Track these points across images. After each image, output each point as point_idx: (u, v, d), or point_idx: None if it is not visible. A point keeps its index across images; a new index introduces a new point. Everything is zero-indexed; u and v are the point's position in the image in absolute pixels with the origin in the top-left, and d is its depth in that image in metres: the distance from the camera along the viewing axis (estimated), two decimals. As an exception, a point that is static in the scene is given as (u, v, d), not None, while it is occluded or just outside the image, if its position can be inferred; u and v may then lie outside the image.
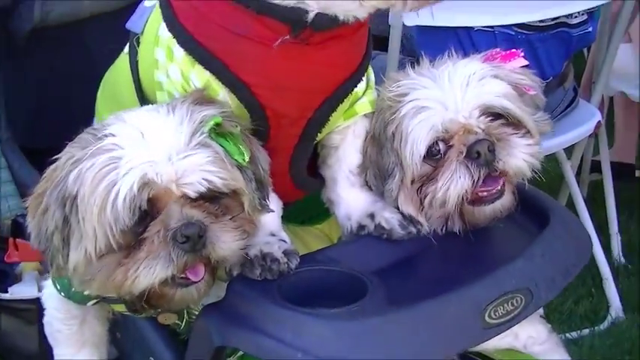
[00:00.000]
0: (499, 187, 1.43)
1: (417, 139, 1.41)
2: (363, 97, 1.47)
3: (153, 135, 1.22)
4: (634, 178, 3.79)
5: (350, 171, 1.49)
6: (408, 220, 1.46)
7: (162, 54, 1.36)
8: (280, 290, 1.32)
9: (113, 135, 1.24)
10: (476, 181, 1.41)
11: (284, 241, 1.40)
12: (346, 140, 1.48)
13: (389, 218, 1.46)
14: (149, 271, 1.21)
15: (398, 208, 1.48)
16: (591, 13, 2.82)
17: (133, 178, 1.18)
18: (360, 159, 1.50)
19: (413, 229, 1.46)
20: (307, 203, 1.60)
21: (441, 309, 1.29)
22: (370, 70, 1.51)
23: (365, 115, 1.48)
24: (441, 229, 1.48)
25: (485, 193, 1.43)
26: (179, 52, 1.34)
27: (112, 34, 1.96)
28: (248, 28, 1.30)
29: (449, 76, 1.45)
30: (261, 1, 1.27)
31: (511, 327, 1.37)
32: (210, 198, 1.24)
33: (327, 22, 1.30)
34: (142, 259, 1.22)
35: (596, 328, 2.99)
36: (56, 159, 1.28)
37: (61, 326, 1.51)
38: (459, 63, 1.48)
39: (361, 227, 1.47)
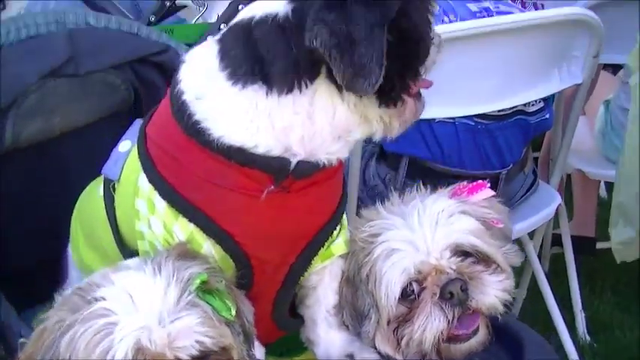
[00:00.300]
0: (475, 327, 1.43)
1: (390, 281, 1.43)
2: (339, 237, 1.48)
3: (142, 298, 1.21)
4: (595, 252, 3.82)
5: (327, 312, 1.50)
6: (386, 359, 1.46)
7: (143, 205, 1.35)
8: None
9: (103, 298, 1.23)
10: (451, 320, 1.42)
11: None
12: (324, 281, 1.49)
13: (368, 358, 1.45)
14: None
15: (375, 348, 1.47)
16: (547, 100, 2.87)
17: (127, 345, 1.18)
18: (335, 299, 1.49)
19: (392, 368, 1.46)
20: (286, 338, 1.58)
21: None
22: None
23: (340, 255, 1.48)
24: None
25: (460, 332, 1.42)
26: (161, 204, 1.33)
27: (84, 148, 1.97)
28: (231, 180, 1.29)
29: (418, 214, 1.46)
30: (245, 153, 1.27)
31: None
32: (201, 358, 1.22)
33: (308, 169, 1.31)
34: None
35: None
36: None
37: None
38: (428, 200, 1.50)
39: (340, 366, 1.46)
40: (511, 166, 2.87)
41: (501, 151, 2.81)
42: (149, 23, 2.59)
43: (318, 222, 1.42)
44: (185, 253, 1.28)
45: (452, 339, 1.45)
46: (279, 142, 1.29)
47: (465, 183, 1.58)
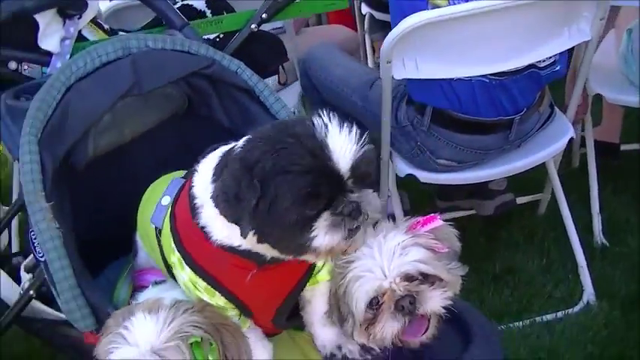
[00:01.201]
0: (424, 331, 1.97)
1: (358, 299, 1.95)
2: (323, 269, 1.98)
3: (142, 336, 1.77)
4: (618, 156, 4.19)
5: (321, 317, 2.03)
6: (366, 349, 2.01)
7: (175, 261, 1.89)
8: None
9: (125, 328, 1.80)
10: (403, 324, 1.94)
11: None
12: (315, 297, 2.02)
13: (352, 349, 2.02)
14: None
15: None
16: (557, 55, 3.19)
17: None
18: (326, 307, 2.03)
19: (369, 356, 2.02)
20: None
21: None
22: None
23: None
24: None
25: (410, 339, 1.97)
26: (187, 268, 1.88)
27: (150, 146, 2.49)
28: (229, 263, 1.82)
29: (379, 248, 1.95)
30: (234, 249, 1.79)
31: None
32: None
33: (281, 258, 1.79)
34: None
35: (569, 312, 3.40)
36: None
37: None
38: (389, 234, 1.97)
39: (332, 355, 2.03)
40: (525, 110, 3.24)
41: (515, 99, 3.17)
42: (261, 20, 3.06)
43: (295, 278, 1.93)
44: (200, 309, 1.84)
45: (404, 342, 1.99)
46: (254, 246, 1.77)
47: (419, 218, 2.05)
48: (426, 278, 1.97)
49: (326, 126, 1.62)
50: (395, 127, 3.32)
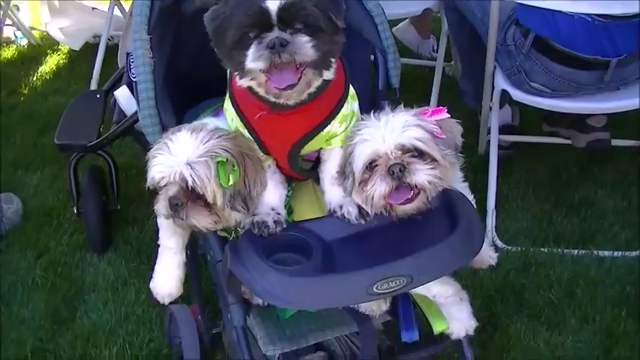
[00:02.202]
0: (408, 197, 2.26)
1: (359, 158, 2.26)
2: (339, 136, 2.34)
3: (179, 149, 2.18)
4: None
5: (332, 176, 2.40)
6: (361, 214, 2.37)
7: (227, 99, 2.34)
8: (264, 244, 2.31)
9: (168, 139, 2.21)
10: (391, 188, 2.24)
11: (278, 213, 2.38)
12: (330, 159, 2.38)
13: (351, 211, 2.36)
14: (157, 209, 2.24)
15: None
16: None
17: (156, 169, 2.19)
18: (337, 170, 2.40)
19: (362, 221, 2.37)
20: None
21: (343, 279, 2.25)
22: (352, 122, 2.36)
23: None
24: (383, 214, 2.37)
25: (393, 203, 2.27)
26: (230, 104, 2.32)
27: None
28: (250, 101, 2.22)
29: (386, 122, 2.26)
30: (256, 94, 2.18)
31: (395, 295, 2.31)
32: (193, 191, 2.17)
33: (286, 106, 2.18)
34: (156, 203, 2.22)
35: (625, 254, 3.61)
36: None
37: (164, 221, 2.48)
38: (398, 114, 2.28)
39: (333, 211, 2.40)
40: (625, 55, 3.38)
41: (616, 43, 3.29)
42: None
43: (301, 131, 2.26)
44: (233, 137, 2.23)
45: (392, 206, 2.29)
46: (255, 87, 2.15)
47: (428, 108, 2.31)
48: (421, 156, 2.25)
49: None
50: (501, 44, 3.55)
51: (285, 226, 2.36)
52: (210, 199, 2.19)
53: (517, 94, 3.58)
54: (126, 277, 3.49)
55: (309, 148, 2.37)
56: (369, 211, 2.36)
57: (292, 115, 2.23)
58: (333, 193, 2.40)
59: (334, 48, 2.13)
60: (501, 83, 3.58)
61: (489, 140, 3.84)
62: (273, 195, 2.38)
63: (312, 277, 2.23)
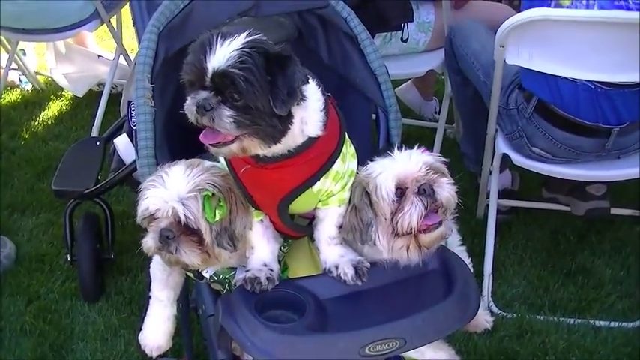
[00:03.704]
0: (439, 220, 2.26)
1: (384, 186, 2.25)
2: (336, 195, 2.32)
3: (172, 183, 2.18)
4: None
5: (329, 237, 2.38)
6: (358, 275, 2.34)
7: None
8: (257, 299, 2.28)
9: (162, 174, 2.21)
10: (426, 207, 2.23)
11: (271, 269, 2.35)
12: (327, 218, 2.36)
13: (347, 271, 2.34)
14: (146, 243, 2.22)
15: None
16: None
17: (147, 202, 2.18)
18: (335, 231, 2.37)
19: (359, 282, 2.34)
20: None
21: (335, 339, 2.21)
22: (349, 182, 2.34)
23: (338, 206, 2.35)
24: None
25: (430, 223, 2.25)
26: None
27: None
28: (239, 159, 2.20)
29: (402, 157, 2.29)
30: None
31: (387, 358, 2.27)
32: (185, 226, 2.17)
33: (267, 160, 2.16)
34: (146, 237, 2.20)
35: (623, 325, 3.54)
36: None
37: (157, 272, 2.51)
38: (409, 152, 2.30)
39: (329, 271, 2.37)
40: (627, 124, 3.37)
41: (618, 111, 3.29)
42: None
43: (288, 186, 2.24)
44: (224, 175, 2.24)
45: (425, 230, 2.26)
46: None
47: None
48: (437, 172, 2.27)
49: (220, 40, 2.02)
50: (503, 108, 3.55)
51: (277, 282, 2.33)
52: (204, 235, 2.18)
53: (518, 159, 3.56)
54: (116, 327, 3.46)
55: (302, 206, 2.35)
56: (389, 257, 2.34)
57: (278, 170, 2.21)
58: (329, 252, 2.38)
59: (268, 131, 2.07)
60: (502, 147, 3.57)
61: (488, 204, 3.81)
62: (265, 250, 2.37)
63: (304, 335, 2.21)
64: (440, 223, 2.27)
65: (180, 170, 2.22)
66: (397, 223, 2.25)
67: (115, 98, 4.85)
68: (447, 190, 2.25)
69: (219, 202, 2.20)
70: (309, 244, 2.55)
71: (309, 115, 2.15)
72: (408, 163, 2.25)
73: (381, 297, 2.38)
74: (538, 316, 3.63)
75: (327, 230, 2.38)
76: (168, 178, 2.20)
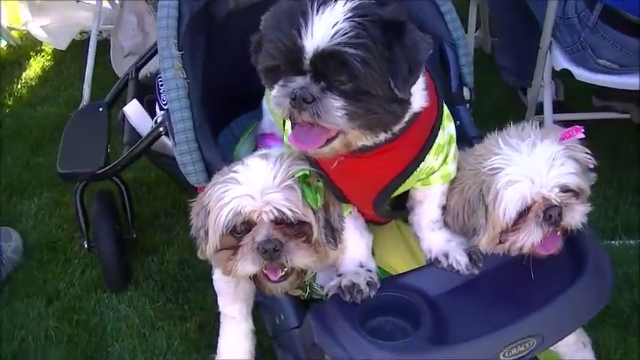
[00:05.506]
0: (557, 248, 1.92)
1: (509, 204, 1.88)
2: (437, 172, 1.90)
3: (255, 177, 1.79)
4: None
5: (431, 220, 1.96)
6: (473, 262, 1.95)
7: None
8: (360, 311, 1.88)
9: (236, 172, 1.81)
10: (547, 234, 1.89)
11: (369, 270, 1.93)
12: (428, 199, 1.95)
13: (459, 259, 1.95)
14: (242, 266, 1.81)
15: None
16: None
17: (232, 206, 1.77)
18: (438, 213, 1.96)
19: (475, 271, 1.95)
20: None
21: (465, 352, 1.82)
22: (450, 150, 1.92)
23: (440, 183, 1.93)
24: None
25: (545, 253, 1.92)
26: None
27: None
28: None
29: (535, 155, 1.88)
30: None
31: (522, 360, 1.89)
32: (289, 224, 1.79)
33: (365, 149, 1.72)
34: (238, 259, 1.81)
35: None
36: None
37: (222, 285, 2.12)
38: (544, 143, 1.90)
39: (437, 261, 1.97)
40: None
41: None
42: None
43: (388, 175, 1.84)
44: (300, 157, 1.83)
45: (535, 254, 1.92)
46: None
47: (565, 129, 1.94)
48: (575, 193, 1.92)
49: (319, 6, 1.54)
50: (561, 18, 3.14)
51: (379, 286, 1.91)
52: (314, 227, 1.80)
53: (581, 73, 3.18)
54: (152, 319, 3.00)
55: (399, 190, 1.92)
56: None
57: (376, 157, 1.78)
58: (433, 239, 1.99)
59: (385, 119, 1.64)
60: (561, 61, 3.18)
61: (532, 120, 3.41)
62: (359, 247, 1.97)
63: (428, 352, 1.82)
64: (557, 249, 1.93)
65: (260, 163, 1.83)
66: (507, 241, 1.92)
67: (102, 48, 4.33)
68: (577, 217, 1.91)
69: (318, 181, 1.81)
70: (399, 227, 2.16)
71: (416, 85, 1.68)
72: (540, 179, 1.87)
73: (496, 284, 2.00)
74: (613, 242, 3.27)
75: (428, 213, 1.97)
76: (242, 174, 1.80)
